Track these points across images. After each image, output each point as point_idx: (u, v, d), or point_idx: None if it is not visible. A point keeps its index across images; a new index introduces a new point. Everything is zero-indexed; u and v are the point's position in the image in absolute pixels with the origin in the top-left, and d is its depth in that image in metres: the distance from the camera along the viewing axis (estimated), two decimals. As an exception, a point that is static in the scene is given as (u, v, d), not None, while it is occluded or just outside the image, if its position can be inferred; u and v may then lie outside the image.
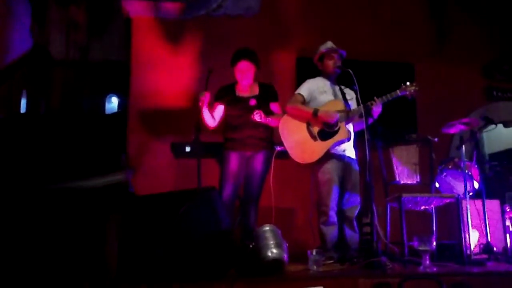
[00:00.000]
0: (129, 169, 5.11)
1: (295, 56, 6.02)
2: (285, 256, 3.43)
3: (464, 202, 4.32)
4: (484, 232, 4.57)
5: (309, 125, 4.23)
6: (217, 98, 4.50)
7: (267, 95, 4.46)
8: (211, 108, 4.45)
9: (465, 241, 4.23)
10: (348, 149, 4.33)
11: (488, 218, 4.58)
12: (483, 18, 6.59)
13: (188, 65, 5.87)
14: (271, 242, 3.43)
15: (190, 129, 4.21)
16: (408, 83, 4.17)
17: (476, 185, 4.56)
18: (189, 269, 3.12)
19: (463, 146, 4.42)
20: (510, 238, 4.73)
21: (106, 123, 6.83)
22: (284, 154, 4.28)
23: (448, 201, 4.48)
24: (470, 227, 4.34)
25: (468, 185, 4.33)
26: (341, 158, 4.27)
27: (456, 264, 3.99)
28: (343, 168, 4.27)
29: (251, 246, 3.45)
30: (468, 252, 4.22)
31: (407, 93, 4.14)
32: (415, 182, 4.83)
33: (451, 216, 4.71)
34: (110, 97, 9.00)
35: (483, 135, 6.07)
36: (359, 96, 4.13)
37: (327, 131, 4.18)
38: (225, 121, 4.50)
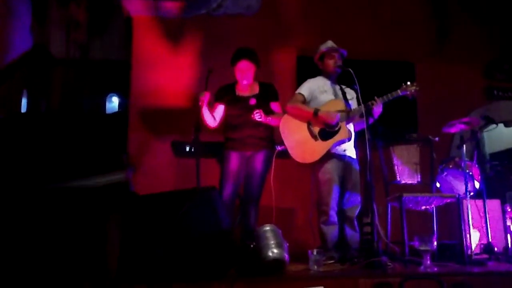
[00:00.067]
0: (129, 168, 5.10)
1: (296, 55, 6.02)
2: (286, 256, 3.43)
3: (464, 201, 4.32)
4: (485, 232, 4.57)
5: (309, 124, 4.22)
6: (217, 98, 4.50)
7: (267, 95, 4.45)
8: (211, 108, 4.44)
9: (466, 241, 4.23)
10: (349, 149, 4.33)
11: (489, 218, 4.58)
12: (483, 18, 6.58)
13: (188, 64, 5.87)
14: (272, 242, 3.43)
15: (191, 128, 4.21)
16: (408, 83, 4.16)
17: (477, 184, 4.55)
18: (189, 269, 3.12)
19: (464, 145, 4.42)
20: (510, 238, 4.72)
21: (107, 123, 6.83)
22: (285, 154, 4.28)
23: (448, 200, 4.47)
24: (471, 227, 4.34)
25: (468, 184, 4.33)
26: (342, 157, 4.27)
27: (456, 264, 3.99)
28: (343, 168, 4.27)
29: (251, 246, 3.45)
30: (469, 252, 4.22)
31: (408, 93, 4.14)
32: (415, 181, 4.82)
33: (451, 216, 4.70)
34: (111, 97, 8.98)
35: (483, 134, 6.07)
36: (359, 96, 4.12)
37: (328, 131, 4.17)
38: (225, 121, 4.50)
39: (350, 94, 4.38)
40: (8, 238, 3.47)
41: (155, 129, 5.68)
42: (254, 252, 3.42)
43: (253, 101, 4.37)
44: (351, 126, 4.32)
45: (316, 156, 4.17)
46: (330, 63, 4.36)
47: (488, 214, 4.58)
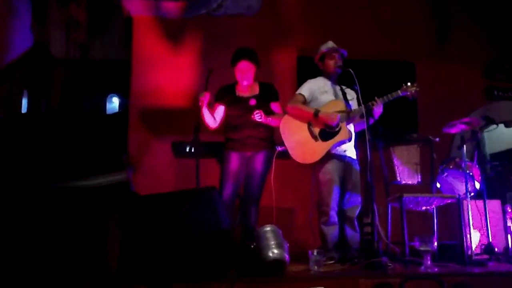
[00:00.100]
0: (130, 169, 5.10)
1: (296, 56, 6.02)
2: (286, 256, 3.43)
3: (465, 202, 4.31)
4: (485, 233, 4.57)
5: (310, 125, 4.22)
6: (217, 98, 4.50)
7: (268, 95, 4.45)
8: (211, 109, 4.44)
9: (466, 242, 4.23)
10: (349, 149, 4.33)
11: (489, 219, 4.58)
12: (483, 18, 6.58)
13: (188, 64, 5.87)
14: (272, 242, 3.43)
15: (191, 128, 4.20)
16: (409, 84, 4.16)
17: (477, 185, 4.55)
18: (189, 269, 3.12)
19: (464, 146, 4.42)
20: (511, 238, 4.72)
21: (107, 123, 6.83)
22: (285, 154, 4.28)
23: (449, 201, 4.47)
24: (471, 228, 4.33)
25: (469, 185, 4.32)
26: (342, 158, 4.27)
27: (457, 264, 3.99)
28: (344, 168, 4.27)
29: (252, 246, 3.45)
30: (469, 252, 4.22)
31: (408, 93, 4.14)
32: (416, 182, 4.82)
33: (452, 216, 4.71)
34: (111, 97, 8.99)
35: (484, 135, 6.06)
36: (360, 96, 4.12)
37: (328, 132, 4.17)
38: (225, 121, 4.49)
39: (351, 94, 4.38)
40: (9, 238, 3.47)
41: (155, 129, 5.68)
42: (255, 252, 3.43)
43: (253, 102, 4.36)
44: (351, 127, 4.31)
45: (317, 157, 4.17)
46: (331, 63, 4.36)
47: (488, 215, 4.57)
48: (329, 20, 6.14)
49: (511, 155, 6.02)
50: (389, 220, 4.60)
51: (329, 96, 4.32)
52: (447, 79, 6.27)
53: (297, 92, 4.39)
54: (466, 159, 4.42)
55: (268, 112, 4.34)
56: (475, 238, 4.64)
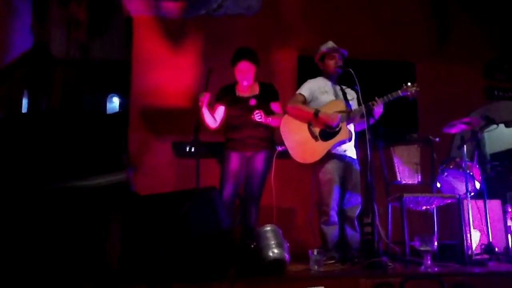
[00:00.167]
0: (130, 168, 5.10)
1: (296, 56, 6.02)
2: (286, 256, 3.43)
3: (465, 202, 4.31)
4: (486, 232, 4.56)
5: (310, 125, 4.22)
6: (217, 99, 4.50)
7: (268, 95, 4.45)
8: (212, 109, 4.44)
9: (467, 241, 4.24)
10: (349, 149, 4.33)
11: (489, 218, 4.57)
12: (483, 18, 6.58)
13: (188, 64, 5.87)
14: (272, 242, 3.43)
15: (191, 128, 4.21)
16: (409, 84, 4.16)
17: (477, 185, 4.55)
18: (190, 269, 3.12)
19: (464, 146, 4.42)
20: (511, 238, 4.72)
21: (107, 123, 6.83)
22: (285, 154, 4.28)
23: (449, 201, 4.47)
24: (472, 227, 4.34)
25: (469, 185, 4.32)
26: (342, 158, 4.27)
27: (457, 264, 3.99)
28: (344, 168, 4.27)
29: (252, 246, 3.45)
30: (470, 252, 4.22)
31: (408, 93, 4.14)
32: (416, 182, 4.83)
33: (452, 216, 4.70)
34: (111, 97, 8.99)
35: (484, 135, 6.05)
36: (360, 96, 4.12)
37: (328, 131, 4.17)
38: (225, 122, 4.50)
39: (351, 94, 4.38)
40: (9, 238, 3.47)
41: (155, 129, 5.68)
42: (255, 252, 3.43)
43: (253, 102, 4.36)
44: (351, 127, 4.32)
45: (317, 157, 4.17)
46: (331, 63, 4.36)
47: (488, 214, 4.57)
48: (329, 20, 6.14)
49: (511, 155, 6.03)
50: (389, 220, 4.60)
51: (329, 96, 4.32)
52: (447, 79, 6.27)
53: (297, 92, 4.39)
54: (466, 159, 4.42)
55: (268, 112, 4.34)
56: (475, 238, 4.64)
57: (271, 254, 3.38)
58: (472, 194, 4.41)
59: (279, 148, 4.36)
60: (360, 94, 4.11)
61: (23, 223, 3.58)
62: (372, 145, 3.97)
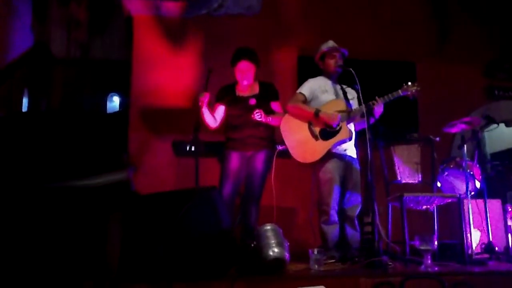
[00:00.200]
0: (130, 168, 5.10)
1: (297, 55, 6.02)
2: (287, 255, 3.43)
3: (465, 201, 4.31)
4: (486, 232, 4.57)
5: (310, 124, 4.22)
6: (218, 98, 4.51)
7: (268, 94, 4.45)
8: (212, 109, 4.44)
9: (467, 241, 4.24)
10: (349, 149, 4.33)
11: (489, 218, 4.58)
12: (483, 18, 6.59)
13: (189, 64, 5.87)
14: (273, 241, 3.43)
15: (191, 128, 4.22)
16: (409, 83, 4.16)
17: (477, 184, 4.56)
18: (190, 268, 3.12)
19: (465, 145, 4.42)
20: (511, 237, 4.72)
21: (107, 122, 6.82)
22: (286, 153, 4.28)
23: (449, 200, 4.48)
24: (472, 227, 4.34)
25: (469, 184, 4.33)
26: (342, 157, 4.27)
27: (457, 263, 3.99)
28: (344, 168, 4.27)
29: (252, 245, 3.45)
30: (470, 251, 4.22)
31: (409, 93, 4.14)
32: (416, 181, 4.83)
33: (452, 215, 4.71)
34: (111, 96, 8.99)
35: (484, 134, 6.06)
36: (360, 96, 4.12)
37: (329, 131, 4.17)
38: (226, 121, 4.50)
39: (351, 93, 4.38)
40: (10, 238, 3.47)
41: (155, 129, 5.68)
42: (255, 251, 3.43)
43: (252, 101, 4.37)
44: (352, 126, 4.32)
45: (317, 156, 4.17)
46: (331, 62, 4.36)
47: (489, 214, 4.57)
48: (329, 20, 6.14)
49: (511, 154, 6.03)
50: (390, 219, 4.61)
51: (330, 96, 4.32)
52: (448, 79, 6.28)
53: (298, 91, 4.39)
54: (467, 159, 4.43)
55: (268, 112, 4.34)
56: (475, 237, 4.64)
57: (271, 253, 3.38)
58: (473, 193, 4.42)
59: (280, 148, 4.36)
60: (360, 93, 4.11)
61: (23, 222, 3.57)
62: (373, 145, 3.97)
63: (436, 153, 4.88)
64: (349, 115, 4.20)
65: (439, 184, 4.74)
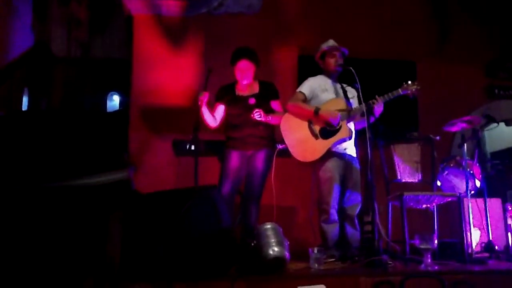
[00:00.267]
0: (131, 167, 5.11)
1: (297, 54, 6.01)
2: (287, 254, 3.43)
3: (465, 200, 4.32)
4: (486, 231, 4.57)
5: (310, 123, 4.22)
6: (218, 98, 4.51)
7: (267, 93, 4.45)
8: (211, 108, 4.45)
9: (467, 240, 4.24)
10: (349, 148, 4.33)
11: (489, 217, 4.58)
12: (483, 18, 6.58)
13: (189, 63, 5.87)
14: (273, 240, 3.43)
15: (192, 127, 4.22)
16: (409, 82, 4.16)
17: (477, 183, 4.56)
18: (190, 268, 3.12)
19: (465, 144, 4.42)
20: (511, 236, 4.72)
21: (108, 121, 6.83)
22: (286, 152, 4.28)
23: (449, 199, 4.48)
24: (472, 226, 4.34)
25: (469, 183, 4.33)
26: (342, 156, 4.27)
27: (457, 262, 3.99)
28: (344, 167, 4.27)
29: (252, 244, 3.45)
30: (470, 250, 4.22)
31: (409, 92, 4.13)
32: (416, 180, 4.83)
33: (452, 214, 4.71)
34: (112, 95, 8.99)
35: (484, 133, 6.06)
36: (360, 95, 4.12)
37: (329, 130, 4.18)
38: (226, 121, 4.50)
39: (351, 92, 4.38)
40: (11, 237, 3.47)
41: (156, 128, 5.68)
42: (255, 250, 3.43)
43: (252, 101, 4.37)
44: (351, 125, 4.32)
45: (317, 155, 4.17)
46: (331, 61, 4.36)
47: (489, 213, 4.57)
48: (329, 20, 6.13)
49: (511, 153, 6.03)
50: (390, 218, 4.61)
51: (330, 94, 4.32)
52: (448, 79, 6.28)
53: (298, 90, 4.39)
54: (467, 158, 4.43)
55: (268, 111, 4.34)
56: (475, 236, 4.64)
57: (271, 252, 3.38)
58: (473, 192, 4.42)
59: (280, 146, 4.36)
60: (360, 92, 4.11)
61: (23, 221, 3.58)
62: (373, 144, 3.97)
63: (436, 152, 4.88)
64: (349, 114, 4.20)
65: (439, 183, 4.74)
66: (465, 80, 6.35)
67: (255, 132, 4.35)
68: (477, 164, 4.62)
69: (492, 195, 4.86)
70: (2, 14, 7.62)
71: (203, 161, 4.22)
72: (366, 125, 3.99)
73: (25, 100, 8.01)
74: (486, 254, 4.39)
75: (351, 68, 4.11)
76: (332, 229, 4.16)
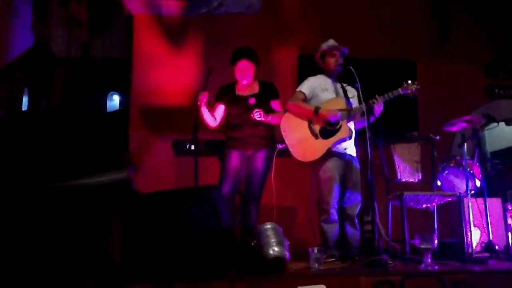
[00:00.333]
0: (131, 167, 5.10)
1: (297, 54, 6.01)
2: (287, 254, 3.43)
3: (465, 200, 4.32)
4: (486, 230, 4.57)
5: (310, 123, 4.22)
6: (218, 98, 4.51)
7: (267, 93, 4.45)
8: (211, 108, 4.45)
9: (467, 239, 4.24)
10: (349, 147, 4.33)
11: (489, 216, 4.58)
12: (483, 18, 6.58)
13: (189, 63, 5.87)
14: (273, 240, 3.43)
15: (191, 127, 4.22)
16: (409, 82, 4.16)
17: (478, 183, 4.55)
18: (190, 268, 3.12)
19: (465, 144, 4.42)
20: (511, 236, 4.72)
21: (108, 121, 6.82)
22: (286, 152, 4.28)
23: (449, 199, 4.48)
24: (472, 225, 4.34)
25: (470, 183, 4.33)
26: (342, 156, 4.27)
27: (457, 262, 3.99)
28: (344, 166, 4.27)
29: (252, 244, 3.45)
30: (470, 250, 4.22)
31: (409, 91, 4.13)
32: (416, 180, 4.84)
33: (452, 214, 4.71)
34: (112, 95, 8.99)
35: (485, 133, 6.06)
36: (360, 94, 4.12)
37: (329, 129, 4.18)
38: (226, 120, 4.50)
39: (351, 92, 4.38)
40: (12, 237, 3.47)
41: (156, 128, 5.68)
42: (255, 250, 3.43)
43: (252, 101, 4.37)
44: (351, 125, 4.32)
45: (317, 155, 4.17)
46: (331, 61, 4.36)
47: (489, 213, 4.58)
48: (329, 20, 6.13)
49: (511, 153, 6.03)
50: (390, 218, 4.61)
51: (330, 94, 4.32)
52: (448, 79, 6.28)
53: (298, 89, 4.40)
54: (467, 157, 4.43)
55: (268, 111, 4.34)
56: (475, 236, 4.64)
57: (271, 252, 3.38)
58: (473, 192, 4.42)
59: (280, 146, 4.36)
60: (360, 92, 4.11)
61: (24, 221, 3.58)
62: (373, 143, 3.97)
63: (436, 152, 4.89)
64: (349, 113, 4.20)
65: (439, 183, 4.74)
66: (465, 80, 6.35)
67: (255, 132, 4.35)
68: (477, 164, 4.62)
69: (492, 194, 4.86)
70: (2, 14, 7.61)
71: (203, 161, 4.22)
72: (366, 125, 3.99)
73: (25, 100, 8.00)
74: (486, 254, 4.39)
75: (351, 67, 4.11)
76: (332, 229, 4.16)
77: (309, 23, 6.11)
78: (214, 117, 4.46)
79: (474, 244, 4.47)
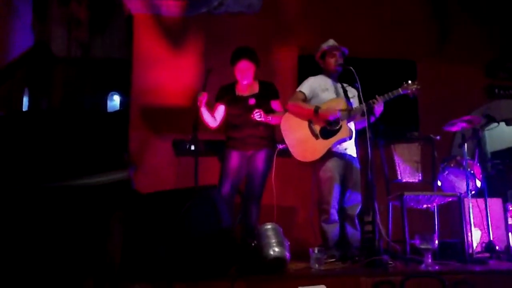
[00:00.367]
0: (131, 167, 5.11)
1: (297, 54, 6.01)
2: (287, 254, 3.43)
3: (466, 200, 4.31)
4: (486, 231, 4.57)
5: (310, 123, 4.22)
6: (218, 98, 4.51)
7: (267, 93, 4.45)
8: (211, 109, 4.44)
9: (467, 240, 4.23)
10: (350, 147, 4.33)
11: (490, 217, 4.58)
12: (483, 18, 6.58)
13: (189, 62, 5.86)
14: (273, 241, 3.43)
15: (191, 127, 4.22)
16: (410, 82, 4.15)
17: (478, 183, 4.55)
18: (190, 268, 3.12)
19: (465, 144, 4.42)
20: (512, 236, 4.73)
21: (108, 121, 6.83)
22: (286, 152, 4.28)
23: (450, 199, 4.47)
24: (472, 226, 4.34)
25: (470, 183, 4.33)
26: (343, 156, 4.27)
27: (458, 262, 3.98)
28: (344, 166, 4.27)
29: (253, 244, 3.45)
30: (470, 250, 4.22)
31: (409, 91, 4.13)
32: (417, 180, 4.83)
33: (453, 214, 4.71)
34: (112, 95, 9.00)
35: (485, 133, 6.06)
36: (361, 94, 4.12)
37: (329, 129, 4.17)
38: (226, 121, 4.50)
39: (352, 92, 4.38)
40: (12, 237, 3.47)
41: (156, 128, 5.68)
42: (255, 250, 3.43)
43: (252, 101, 4.37)
44: (352, 125, 4.31)
45: (317, 155, 4.17)
46: (331, 61, 4.36)
47: (489, 213, 4.58)
48: (329, 20, 6.13)
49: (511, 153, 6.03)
50: (390, 218, 4.61)
51: (330, 94, 4.32)
52: (448, 79, 6.28)
53: (298, 89, 4.39)
54: (467, 157, 4.42)
55: (268, 111, 4.34)
56: (476, 236, 4.64)
57: (271, 252, 3.38)
58: (473, 192, 4.42)
59: (280, 146, 4.36)
60: (360, 92, 4.11)
61: (24, 221, 3.57)
62: (373, 143, 3.97)
63: (436, 152, 4.89)
64: (349, 113, 4.19)
65: (439, 183, 4.74)
66: (465, 80, 6.35)
67: (255, 132, 4.34)
68: (478, 164, 4.61)
69: (492, 195, 4.86)
70: (2, 14, 7.62)
71: (203, 161, 4.22)
72: (366, 125, 3.99)
73: (25, 100, 8.01)
74: (487, 254, 4.39)
75: (351, 67, 4.11)
76: (333, 229, 4.15)
77: (309, 23, 6.11)
78: (214, 117, 4.46)
79: (474, 245, 4.46)
